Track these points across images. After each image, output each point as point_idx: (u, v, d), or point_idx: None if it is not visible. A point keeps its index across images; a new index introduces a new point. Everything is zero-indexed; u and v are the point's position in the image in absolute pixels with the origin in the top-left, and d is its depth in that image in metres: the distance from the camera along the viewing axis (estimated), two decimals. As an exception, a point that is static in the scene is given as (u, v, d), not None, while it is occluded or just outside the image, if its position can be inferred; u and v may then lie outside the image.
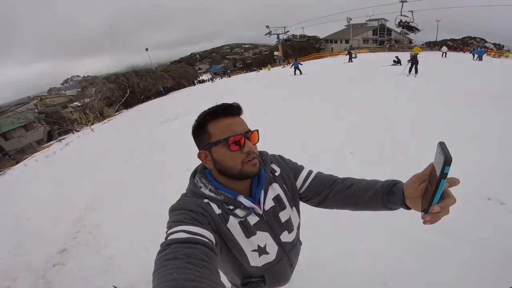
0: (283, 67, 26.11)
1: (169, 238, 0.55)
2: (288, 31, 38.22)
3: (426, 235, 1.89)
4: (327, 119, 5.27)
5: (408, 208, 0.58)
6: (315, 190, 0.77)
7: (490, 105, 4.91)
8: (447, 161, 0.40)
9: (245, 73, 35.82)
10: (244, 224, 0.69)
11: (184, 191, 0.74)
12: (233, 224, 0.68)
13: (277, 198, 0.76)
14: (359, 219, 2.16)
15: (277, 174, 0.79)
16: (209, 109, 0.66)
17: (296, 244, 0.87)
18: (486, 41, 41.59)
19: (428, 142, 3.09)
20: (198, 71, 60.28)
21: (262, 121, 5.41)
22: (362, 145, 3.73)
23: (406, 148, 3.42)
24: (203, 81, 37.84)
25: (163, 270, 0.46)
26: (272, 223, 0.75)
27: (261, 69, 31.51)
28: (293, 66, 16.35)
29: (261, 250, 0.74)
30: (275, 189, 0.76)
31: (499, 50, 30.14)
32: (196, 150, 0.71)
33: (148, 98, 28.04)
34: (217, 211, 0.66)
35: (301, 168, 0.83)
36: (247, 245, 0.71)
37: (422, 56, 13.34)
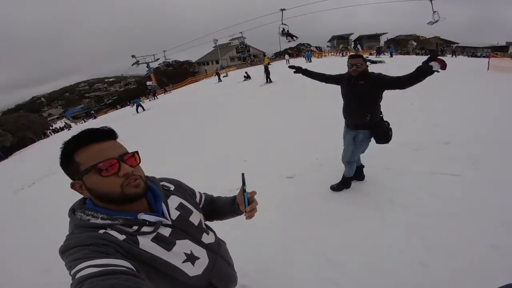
0: (150, 100, 23.86)
1: (77, 276, 0.49)
2: (158, 59, 37.45)
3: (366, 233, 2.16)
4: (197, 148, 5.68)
5: (240, 211, 0.91)
6: (205, 208, 0.95)
7: (318, 97, 6.80)
8: (244, 183, 0.82)
9: (117, 109, 31.21)
10: (159, 239, 0.66)
11: (68, 233, 0.63)
12: (146, 244, 0.64)
13: (181, 206, 0.79)
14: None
15: (171, 189, 0.83)
16: (73, 136, 0.62)
17: (220, 243, 0.92)
18: (311, 45, 55.85)
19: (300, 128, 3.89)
20: (49, 118, 49.29)
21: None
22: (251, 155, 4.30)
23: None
24: (58, 130, 30.86)
25: None
26: (187, 229, 0.75)
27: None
28: (135, 104, 16.00)
29: (191, 257, 0.72)
30: (175, 200, 0.79)
31: (320, 51, 41.55)
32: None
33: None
34: (120, 237, 0.60)
35: (194, 190, 0.96)
36: (173, 258, 0.67)
37: (274, 65, 16.56)
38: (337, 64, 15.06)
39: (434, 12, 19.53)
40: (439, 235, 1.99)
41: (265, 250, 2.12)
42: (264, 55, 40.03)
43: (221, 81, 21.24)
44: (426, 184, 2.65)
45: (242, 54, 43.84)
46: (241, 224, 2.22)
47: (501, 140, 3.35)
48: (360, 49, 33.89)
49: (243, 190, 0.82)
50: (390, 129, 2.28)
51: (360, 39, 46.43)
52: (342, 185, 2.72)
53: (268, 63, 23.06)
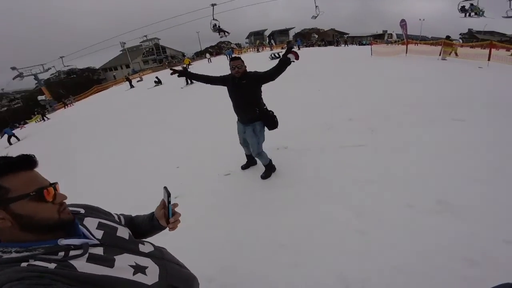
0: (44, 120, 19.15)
1: None
2: (49, 68, 30.49)
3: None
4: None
5: (162, 225, 0.88)
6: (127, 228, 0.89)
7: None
8: (169, 195, 0.82)
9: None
10: (95, 259, 0.63)
11: None
12: (85, 266, 0.61)
13: (101, 225, 0.75)
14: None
15: (82, 212, 0.78)
16: (2, 160, 0.60)
17: (161, 249, 0.89)
18: (231, 43, 56.79)
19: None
20: None
21: None
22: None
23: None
24: None
25: None
26: (119, 244, 0.73)
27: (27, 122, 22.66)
28: (5, 134, 12.48)
29: (139, 268, 0.70)
30: (92, 221, 0.76)
31: (240, 48, 42.66)
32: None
33: None
34: (50, 266, 0.57)
35: (109, 211, 0.89)
36: (121, 273, 0.65)
37: (195, 65, 15.98)
38: (255, 59, 15.97)
39: (316, 6, 22.60)
40: (364, 201, 2.27)
41: (221, 250, 2.08)
42: (184, 56, 38.19)
43: (133, 87, 18.87)
44: (341, 157, 3.04)
45: (157, 56, 40.63)
46: (190, 231, 2.06)
47: (386, 112, 4.16)
48: (274, 44, 36.50)
49: (167, 202, 0.83)
50: (275, 116, 2.59)
51: (273, 34, 49.93)
52: (269, 171, 2.88)
53: (189, 63, 22.16)
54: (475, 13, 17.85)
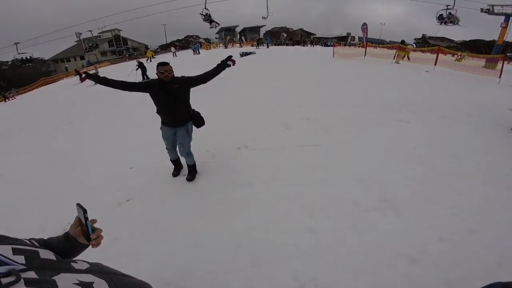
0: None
1: None
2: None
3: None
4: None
5: (82, 244, 0.82)
6: None
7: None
8: (85, 211, 0.76)
9: None
10: (32, 283, 0.58)
11: None
12: None
13: (17, 250, 0.68)
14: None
15: None
16: None
17: (98, 264, 0.86)
18: (200, 37, 55.08)
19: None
20: None
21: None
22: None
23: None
24: None
25: None
26: (49, 265, 0.69)
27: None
28: None
29: (85, 285, 0.67)
30: (3, 248, 0.67)
31: (209, 43, 41.58)
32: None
33: None
34: None
35: (18, 238, 0.80)
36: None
37: (159, 59, 14.93)
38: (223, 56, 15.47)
39: (267, 8, 23.19)
40: (315, 200, 2.33)
41: (177, 253, 2.00)
42: (147, 48, 36.00)
43: (82, 81, 16.92)
44: (298, 156, 3.10)
45: (117, 48, 37.60)
46: (143, 235, 2.06)
47: (340, 112, 4.33)
48: (244, 41, 36.29)
49: (83, 219, 0.78)
50: (200, 113, 2.73)
51: (244, 31, 49.59)
52: (194, 172, 2.95)
53: (152, 56, 20.83)
54: (451, 22, 18.76)
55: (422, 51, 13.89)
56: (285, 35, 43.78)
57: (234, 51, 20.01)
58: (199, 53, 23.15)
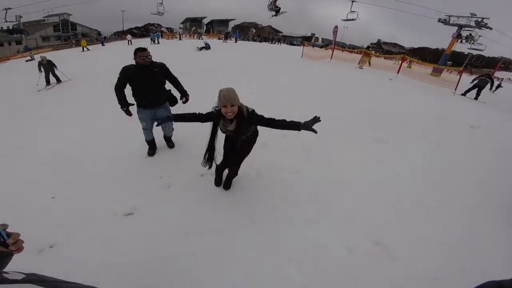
0: None
1: None
2: None
3: None
4: None
5: (2, 253, 0.75)
6: None
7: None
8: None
9: None
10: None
11: None
12: None
13: None
14: None
15: None
16: None
17: (34, 274, 0.77)
18: (162, 26, 51.40)
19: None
20: None
21: None
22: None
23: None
24: None
25: None
26: None
27: None
28: None
29: None
30: None
31: (171, 33, 38.78)
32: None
33: None
34: None
35: None
36: None
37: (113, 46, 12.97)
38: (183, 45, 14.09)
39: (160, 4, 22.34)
40: (303, 248, 2.01)
41: (165, 261, 1.85)
42: (99, 34, 32.18)
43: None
44: (277, 190, 2.62)
45: (63, 33, 32.77)
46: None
47: (317, 128, 4.00)
48: (212, 33, 34.68)
49: None
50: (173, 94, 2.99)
51: (212, 23, 47.49)
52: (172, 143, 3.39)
53: (85, 46, 18.07)
54: (469, 41, 17.74)
55: (386, 58, 14.72)
56: (254, 30, 43.15)
57: (191, 43, 18.67)
58: (158, 42, 21.33)
